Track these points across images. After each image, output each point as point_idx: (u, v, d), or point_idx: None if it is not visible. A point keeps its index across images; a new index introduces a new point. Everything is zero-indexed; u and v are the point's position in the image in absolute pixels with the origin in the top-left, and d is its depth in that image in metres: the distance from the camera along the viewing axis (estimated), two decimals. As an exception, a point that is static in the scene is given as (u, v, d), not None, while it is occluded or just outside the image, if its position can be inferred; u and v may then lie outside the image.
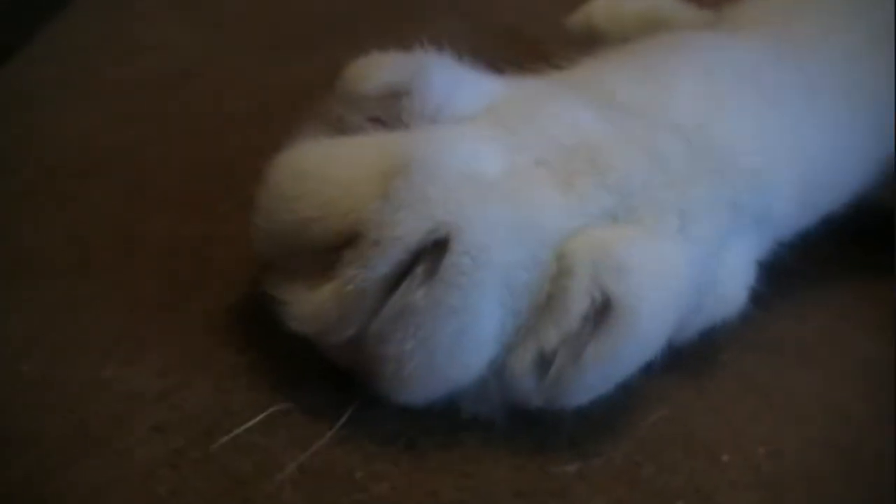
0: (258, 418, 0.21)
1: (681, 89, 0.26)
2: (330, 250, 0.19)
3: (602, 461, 0.21)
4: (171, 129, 0.40)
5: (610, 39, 0.54)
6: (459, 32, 0.53)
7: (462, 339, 0.18)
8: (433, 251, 0.18)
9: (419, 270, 0.17)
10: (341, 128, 0.21)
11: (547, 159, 0.21)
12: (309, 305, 0.19)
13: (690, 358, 0.25)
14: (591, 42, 0.55)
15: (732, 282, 0.24)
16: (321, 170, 0.19)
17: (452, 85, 0.21)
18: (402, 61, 0.21)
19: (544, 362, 0.19)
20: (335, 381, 0.21)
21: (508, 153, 0.20)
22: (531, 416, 0.20)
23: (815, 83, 0.31)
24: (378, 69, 0.21)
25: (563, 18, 0.57)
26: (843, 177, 0.32)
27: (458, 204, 0.18)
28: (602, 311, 0.19)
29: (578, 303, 0.19)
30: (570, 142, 0.21)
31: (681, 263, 0.21)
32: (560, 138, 0.21)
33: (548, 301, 0.19)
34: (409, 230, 0.18)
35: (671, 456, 0.22)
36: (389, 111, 0.21)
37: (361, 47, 0.24)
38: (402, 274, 0.18)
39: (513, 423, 0.21)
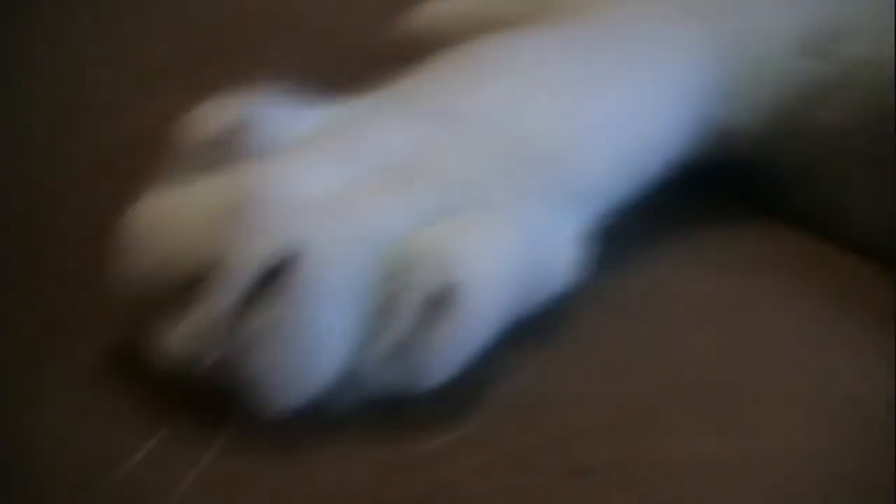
0: (147, 447, 0.23)
1: (495, 89, 0.29)
2: (188, 286, 0.20)
3: (465, 432, 0.24)
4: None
5: (439, 44, 0.57)
6: (301, 55, 0.55)
7: (318, 347, 0.20)
8: (279, 272, 0.20)
9: (269, 292, 0.19)
10: (186, 174, 0.22)
11: (379, 169, 0.23)
12: (174, 339, 0.20)
13: (537, 327, 0.28)
14: (420, 49, 0.58)
15: (563, 255, 0.27)
16: (171, 215, 0.21)
17: (284, 118, 0.23)
18: (235, 104, 0.23)
19: (398, 353, 0.21)
20: (215, 402, 0.23)
21: (341, 169, 0.22)
22: (395, 403, 0.23)
23: (623, 63, 0.34)
24: (213, 114, 0.23)
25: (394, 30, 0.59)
26: (658, 146, 0.35)
27: (296, 225, 0.20)
28: (444, 298, 0.21)
29: (419, 291, 0.21)
30: (399, 150, 0.24)
31: (510, 247, 0.24)
32: (389, 148, 0.24)
33: (395, 296, 0.21)
34: (252, 257, 0.20)
35: (530, 419, 0.25)
36: (228, 152, 0.22)
37: (203, 88, 0.25)
38: (254, 297, 0.19)
39: (380, 412, 0.23)
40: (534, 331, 0.28)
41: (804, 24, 0.46)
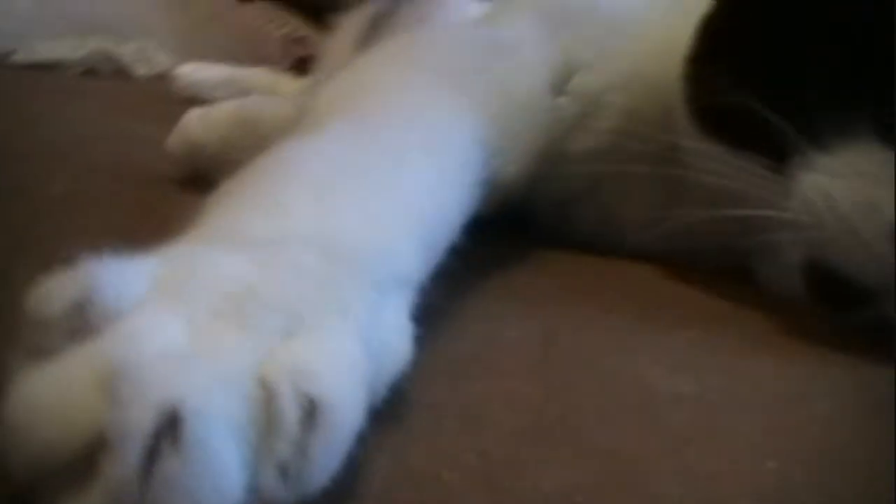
0: None
1: (296, 206, 0.31)
2: (81, 462, 0.20)
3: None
4: None
5: (210, 150, 0.57)
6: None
7: (220, 483, 0.21)
8: (168, 428, 0.20)
9: (164, 446, 0.20)
10: (41, 352, 0.22)
11: (218, 309, 0.24)
12: None
13: (390, 404, 0.29)
14: (193, 158, 0.58)
15: (398, 336, 0.29)
16: (44, 399, 0.21)
17: (122, 279, 0.24)
18: (73, 276, 0.23)
19: (283, 470, 0.22)
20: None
21: (186, 318, 0.23)
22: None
23: (406, 153, 0.37)
24: (54, 291, 0.23)
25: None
26: (452, 216, 0.39)
27: (168, 381, 0.21)
28: (311, 412, 0.23)
29: (291, 413, 0.22)
30: (230, 287, 0.25)
31: (353, 349, 0.26)
32: (220, 287, 0.25)
33: (269, 422, 0.22)
34: (140, 421, 0.20)
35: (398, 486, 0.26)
36: (79, 323, 0.22)
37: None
38: (153, 453, 0.20)
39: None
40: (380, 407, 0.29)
41: (551, 62, 0.51)
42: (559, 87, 0.52)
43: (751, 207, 0.44)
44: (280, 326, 0.25)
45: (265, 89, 1.15)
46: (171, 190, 0.56)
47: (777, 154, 0.43)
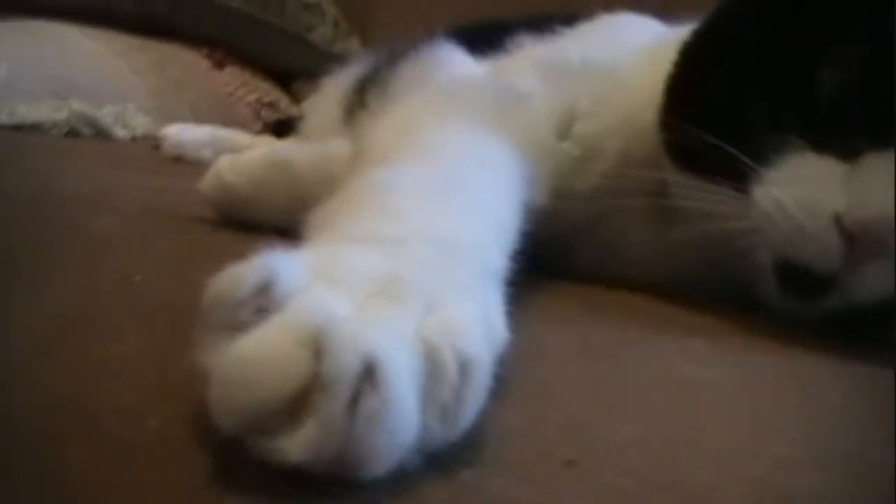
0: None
1: (405, 213, 0.37)
2: (290, 406, 0.26)
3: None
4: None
5: (242, 191, 0.62)
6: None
7: (406, 417, 0.26)
8: (367, 373, 0.25)
9: (367, 388, 0.25)
10: (231, 328, 0.27)
11: (369, 291, 0.30)
12: (300, 442, 0.25)
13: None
14: (226, 199, 0.63)
15: (500, 319, 0.35)
16: (259, 358, 0.26)
17: (292, 267, 0.29)
18: (256, 264, 0.28)
19: (444, 413, 0.28)
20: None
21: (345, 297, 0.29)
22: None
23: (470, 178, 0.44)
24: (241, 277, 0.28)
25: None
26: (515, 228, 0.45)
27: (364, 336, 0.26)
28: (465, 366, 0.28)
29: (452, 366, 0.28)
30: (374, 274, 0.30)
31: (483, 319, 0.31)
32: (367, 275, 0.30)
33: (434, 373, 0.28)
34: (349, 366, 0.25)
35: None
36: (264, 302, 0.27)
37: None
38: (357, 393, 0.25)
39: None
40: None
41: (556, 110, 0.59)
42: (563, 133, 0.60)
43: (722, 222, 0.52)
44: (421, 303, 0.30)
45: (245, 148, 1.21)
46: (209, 228, 0.61)
47: (737, 176, 0.51)
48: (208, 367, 0.27)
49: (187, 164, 1.06)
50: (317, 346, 0.26)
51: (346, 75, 1.16)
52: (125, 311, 0.42)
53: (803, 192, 0.49)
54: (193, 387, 0.28)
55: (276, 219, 0.61)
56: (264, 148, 0.64)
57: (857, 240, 0.47)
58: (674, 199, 0.56)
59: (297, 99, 1.59)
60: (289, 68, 1.62)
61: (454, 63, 0.76)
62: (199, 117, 1.37)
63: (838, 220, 0.47)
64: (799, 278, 0.50)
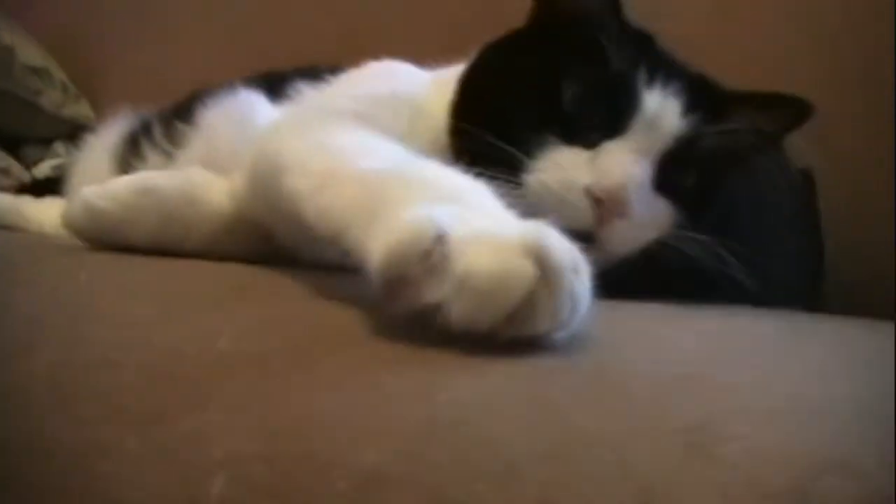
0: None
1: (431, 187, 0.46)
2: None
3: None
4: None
5: (113, 216, 0.69)
6: None
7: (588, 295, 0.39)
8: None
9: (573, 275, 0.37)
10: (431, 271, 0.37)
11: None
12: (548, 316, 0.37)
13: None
14: (96, 225, 0.69)
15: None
16: (503, 269, 0.36)
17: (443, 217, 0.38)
18: (422, 220, 0.38)
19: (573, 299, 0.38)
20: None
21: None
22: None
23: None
24: (422, 230, 0.37)
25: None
26: None
27: (564, 245, 0.37)
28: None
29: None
30: (483, 215, 0.42)
31: None
32: (479, 219, 0.40)
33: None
34: (566, 263, 0.36)
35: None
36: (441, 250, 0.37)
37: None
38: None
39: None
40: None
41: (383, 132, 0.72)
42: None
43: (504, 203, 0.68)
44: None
45: (8, 207, 1.20)
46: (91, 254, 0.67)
47: (512, 168, 0.67)
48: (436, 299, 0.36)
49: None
50: (533, 254, 0.36)
51: (111, 133, 1.20)
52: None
53: (561, 174, 0.66)
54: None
55: (146, 241, 0.69)
56: (127, 177, 0.71)
57: (603, 203, 0.65)
58: None
59: (27, 164, 1.56)
60: (18, 133, 1.59)
61: (261, 107, 0.87)
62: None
63: (588, 191, 0.65)
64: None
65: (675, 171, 0.71)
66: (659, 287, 0.79)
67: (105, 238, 0.69)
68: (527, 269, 0.36)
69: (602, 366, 0.39)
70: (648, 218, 0.69)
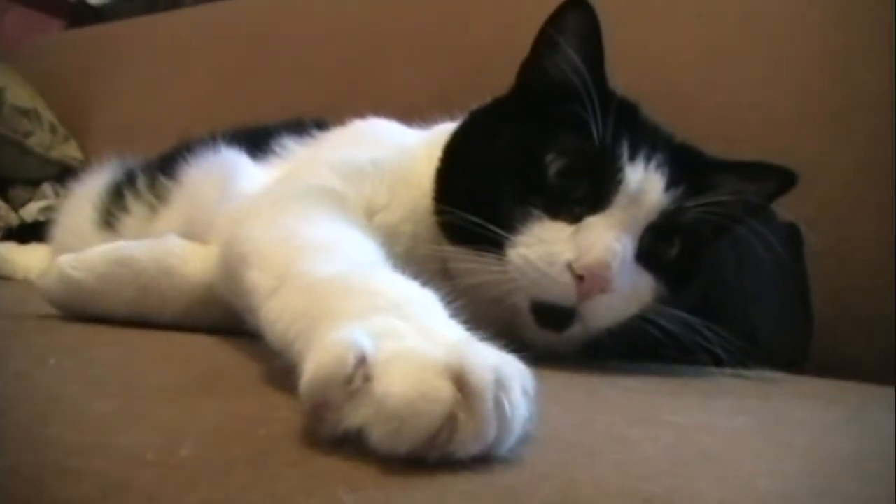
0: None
1: (379, 290, 0.46)
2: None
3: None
4: None
5: (89, 287, 0.68)
6: None
7: (525, 408, 0.38)
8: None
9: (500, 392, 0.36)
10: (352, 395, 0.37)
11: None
12: (469, 438, 0.36)
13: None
14: (71, 295, 0.68)
15: None
16: (419, 393, 0.35)
17: (365, 339, 0.39)
18: (343, 342, 0.38)
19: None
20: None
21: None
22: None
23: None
24: (343, 355, 0.37)
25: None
26: None
27: (487, 361, 0.37)
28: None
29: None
30: (408, 328, 0.41)
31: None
32: (404, 330, 0.41)
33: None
34: (489, 381, 0.36)
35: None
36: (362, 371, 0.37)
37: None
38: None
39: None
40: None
41: (361, 204, 0.72)
42: (369, 223, 0.73)
43: (485, 277, 0.68)
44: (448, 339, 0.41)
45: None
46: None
47: (495, 243, 0.68)
48: (357, 423, 0.36)
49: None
50: (454, 375, 0.36)
51: (96, 181, 1.20)
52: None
53: (543, 249, 0.67)
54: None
55: (121, 311, 0.68)
56: (103, 246, 0.70)
57: (585, 278, 0.65)
58: (452, 264, 0.72)
59: (14, 205, 1.55)
60: (6, 174, 1.59)
61: (243, 168, 0.87)
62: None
63: (570, 266, 0.65)
64: (549, 314, 0.68)
65: (658, 244, 0.71)
66: (640, 354, 0.79)
67: (81, 308, 0.68)
68: (444, 391, 0.35)
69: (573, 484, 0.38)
70: (630, 292, 0.69)
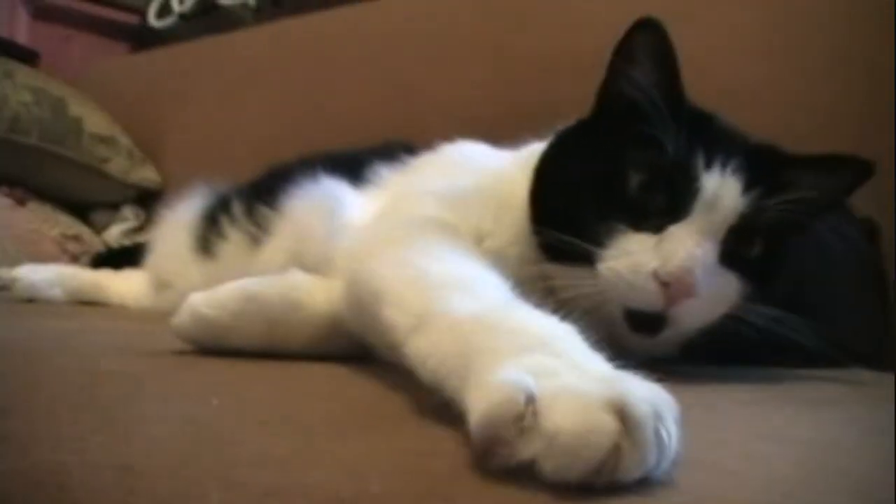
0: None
1: (524, 329, 0.50)
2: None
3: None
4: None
5: (222, 324, 0.72)
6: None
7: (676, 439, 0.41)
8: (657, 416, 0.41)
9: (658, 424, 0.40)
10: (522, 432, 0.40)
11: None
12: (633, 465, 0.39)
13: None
14: (203, 332, 0.73)
15: None
16: (589, 427, 0.39)
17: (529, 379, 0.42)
18: (513, 384, 0.41)
19: None
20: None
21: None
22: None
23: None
24: (514, 396, 0.41)
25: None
26: None
27: (647, 397, 0.40)
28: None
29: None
30: (562, 365, 0.45)
31: None
32: (558, 368, 0.44)
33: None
34: (649, 415, 0.40)
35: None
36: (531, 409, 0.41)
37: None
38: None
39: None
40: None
41: (469, 233, 0.76)
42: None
43: (581, 290, 0.73)
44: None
45: (90, 282, 1.25)
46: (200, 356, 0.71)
47: (586, 259, 0.73)
48: (528, 456, 0.40)
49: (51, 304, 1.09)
50: (616, 409, 0.39)
51: (188, 207, 1.25)
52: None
53: (630, 260, 0.71)
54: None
55: (252, 345, 0.73)
56: (229, 284, 0.74)
57: (670, 285, 0.70)
58: (553, 281, 0.77)
59: (97, 229, 1.61)
60: (87, 200, 1.65)
61: (346, 199, 0.91)
62: (5, 256, 1.37)
63: (655, 274, 0.70)
64: (641, 320, 0.72)
65: (740, 245, 0.75)
66: (734, 356, 0.82)
67: (214, 343, 0.73)
68: (610, 424, 0.39)
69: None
70: (715, 294, 0.73)
